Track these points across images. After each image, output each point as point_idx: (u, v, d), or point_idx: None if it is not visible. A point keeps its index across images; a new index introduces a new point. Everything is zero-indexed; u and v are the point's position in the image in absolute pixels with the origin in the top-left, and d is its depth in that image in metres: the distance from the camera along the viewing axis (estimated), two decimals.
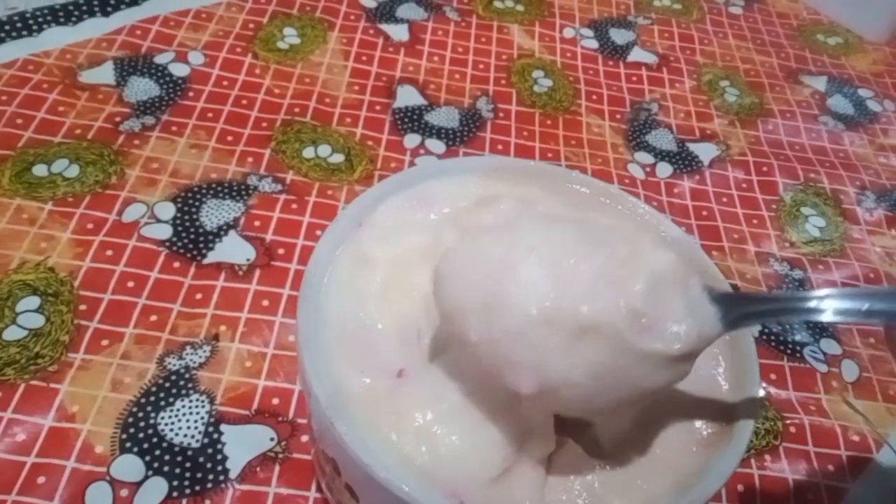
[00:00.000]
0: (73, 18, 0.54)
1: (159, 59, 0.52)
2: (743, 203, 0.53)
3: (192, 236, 0.43)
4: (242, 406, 0.36)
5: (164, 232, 0.42)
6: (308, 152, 0.49)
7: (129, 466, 0.33)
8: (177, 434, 0.35)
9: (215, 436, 0.35)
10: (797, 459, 0.39)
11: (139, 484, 0.33)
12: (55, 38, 0.52)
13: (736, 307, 0.24)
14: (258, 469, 0.34)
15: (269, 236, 0.43)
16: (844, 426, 0.41)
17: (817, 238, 0.51)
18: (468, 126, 0.53)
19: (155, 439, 0.34)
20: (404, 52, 0.58)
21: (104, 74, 0.50)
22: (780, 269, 0.49)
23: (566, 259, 0.23)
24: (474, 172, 0.33)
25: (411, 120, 0.53)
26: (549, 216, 0.26)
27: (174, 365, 0.37)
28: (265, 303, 0.40)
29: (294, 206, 0.45)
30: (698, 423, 0.27)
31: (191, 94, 0.51)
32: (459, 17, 0.63)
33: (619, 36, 0.65)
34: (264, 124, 0.50)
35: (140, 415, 0.35)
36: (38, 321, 0.37)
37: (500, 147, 0.52)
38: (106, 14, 0.55)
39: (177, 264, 0.41)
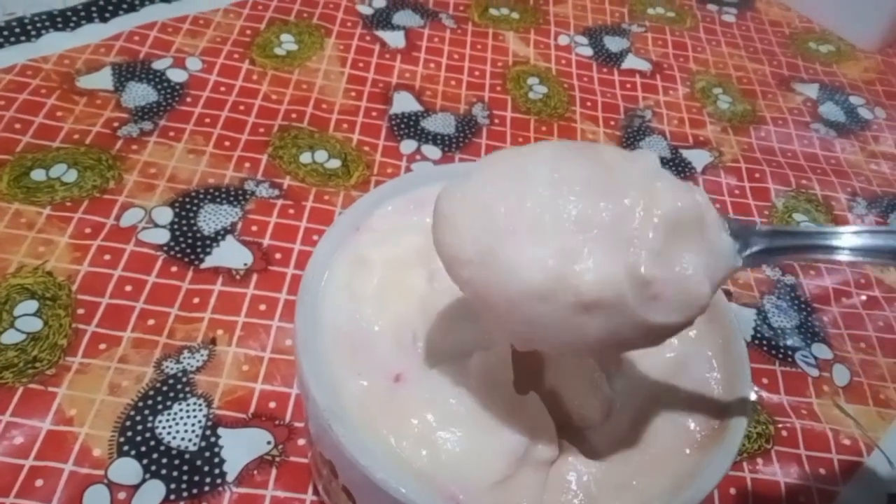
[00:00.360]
0: (72, 24, 0.54)
1: (157, 65, 0.53)
2: (735, 209, 0.53)
3: (190, 241, 0.43)
4: (239, 410, 0.37)
5: (162, 236, 0.43)
6: (305, 158, 0.49)
7: (126, 469, 0.34)
8: (174, 437, 0.35)
9: (212, 439, 0.35)
10: (789, 463, 0.39)
11: (137, 487, 0.33)
12: (53, 44, 0.52)
13: (757, 241, 0.23)
14: (255, 472, 0.35)
15: (266, 241, 0.44)
16: (836, 430, 0.41)
17: None
18: (464, 132, 0.54)
19: (152, 442, 0.35)
20: (401, 58, 0.58)
21: (102, 80, 0.51)
22: (772, 274, 0.49)
23: (573, 209, 0.21)
24: None
25: (407, 126, 0.53)
26: (563, 150, 0.23)
27: (172, 369, 0.37)
28: (262, 307, 0.41)
29: (291, 211, 0.46)
30: (692, 426, 0.27)
31: (188, 99, 0.51)
32: (455, 25, 0.63)
33: (613, 43, 0.66)
34: (261, 130, 0.50)
35: (138, 418, 0.35)
36: (36, 325, 0.38)
37: None
38: (104, 20, 0.55)
39: (174, 269, 0.41)
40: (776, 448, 0.40)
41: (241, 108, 0.51)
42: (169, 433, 0.35)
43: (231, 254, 0.43)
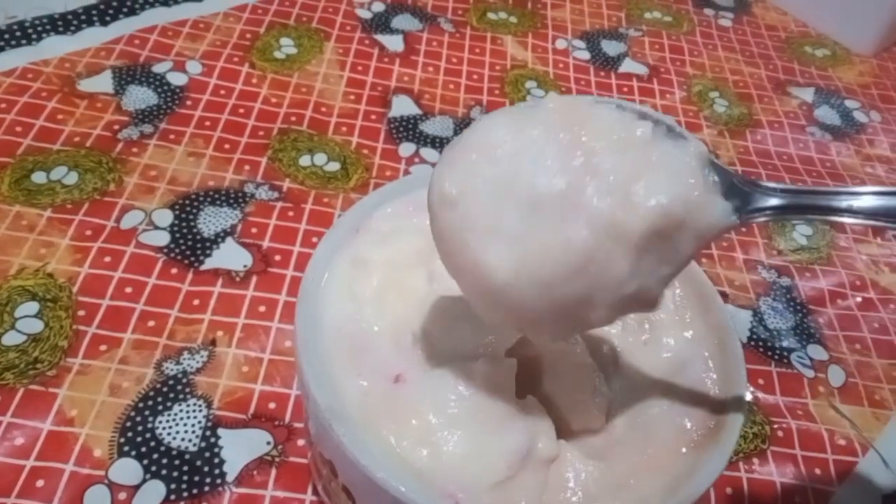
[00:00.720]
0: (72, 28, 0.54)
1: (157, 69, 0.53)
2: None
3: (190, 243, 0.43)
4: (239, 410, 0.37)
5: (162, 239, 0.43)
6: (304, 160, 0.49)
7: (127, 470, 0.34)
8: (174, 438, 0.35)
9: (212, 440, 0.35)
10: (784, 463, 0.40)
11: (137, 487, 0.33)
12: (54, 47, 0.52)
13: (755, 200, 0.23)
14: (255, 472, 0.35)
15: (265, 243, 0.44)
16: (831, 430, 0.42)
17: (804, 246, 0.52)
18: None
19: (153, 443, 0.35)
20: (399, 62, 0.59)
21: (103, 83, 0.51)
22: (768, 276, 0.50)
23: (568, 179, 0.21)
24: None
25: (406, 129, 0.53)
26: (570, 113, 0.23)
27: (172, 370, 0.38)
28: (262, 309, 0.41)
29: (290, 213, 0.46)
30: (688, 425, 0.27)
31: (188, 102, 0.51)
32: (454, 29, 0.64)
33: (610, 47, 0.66)
34: (261, 133, 0.51)
35: (138, 419, 0.35)
36: (37, 326, 0.38)
37: None
38: (104, 23, 0.55)
39: (174, 270, 0.42)
40: (772, 448, 0.40)
41: (241, 111, 0.52)
42: (169, 434, 0.35)
43: (231, 256, 0.43)
